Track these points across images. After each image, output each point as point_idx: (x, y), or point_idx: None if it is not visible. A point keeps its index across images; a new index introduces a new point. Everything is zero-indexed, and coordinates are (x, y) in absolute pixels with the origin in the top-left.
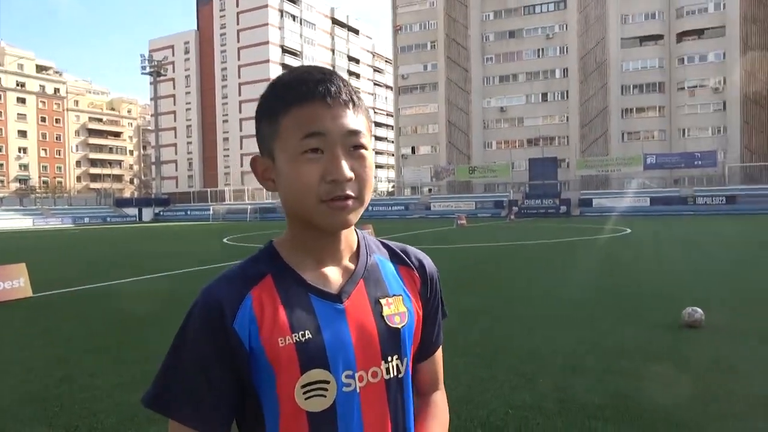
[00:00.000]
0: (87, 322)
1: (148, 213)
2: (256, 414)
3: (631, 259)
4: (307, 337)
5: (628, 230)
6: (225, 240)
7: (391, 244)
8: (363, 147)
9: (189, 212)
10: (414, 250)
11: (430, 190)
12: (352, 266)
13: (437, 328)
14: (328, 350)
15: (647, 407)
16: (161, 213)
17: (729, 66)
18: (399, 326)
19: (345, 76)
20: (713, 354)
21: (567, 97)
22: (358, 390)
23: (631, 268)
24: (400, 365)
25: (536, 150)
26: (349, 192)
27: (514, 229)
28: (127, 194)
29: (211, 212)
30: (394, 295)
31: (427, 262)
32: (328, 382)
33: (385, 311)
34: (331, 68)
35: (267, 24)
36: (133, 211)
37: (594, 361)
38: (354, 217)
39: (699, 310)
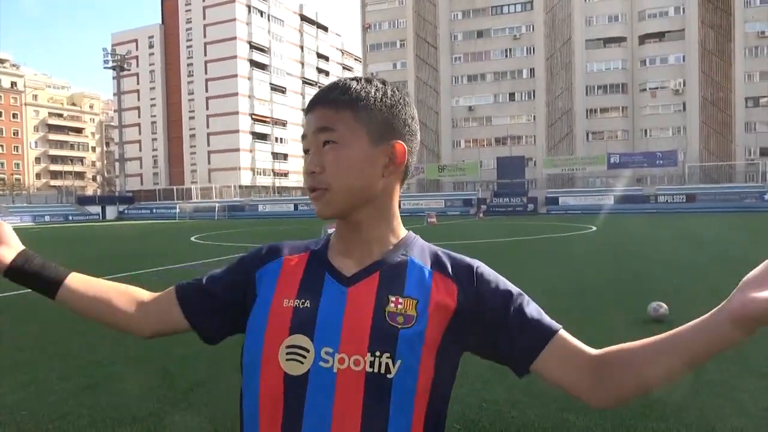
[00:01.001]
0: (47, 326)
1: (112, 211)
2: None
3: (596, 256)
4: (305, 305)
5: (593, 228)
6: (192, 238)
7: (444, 252)
8: (332, 141)
9: (155, 210)
10: (460, 259)
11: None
12: (374, 260)
13: (523, 323)
14: (317, 322)
15: None
16: (126, 211)
17: (688, 68)
18: (398, 327)
19: (314, 73)
20: None
21: (534, 96)
22: (335, 370)
23: (597, 264)
24: (390, 365)
25: (504, 149)
26: (316, 184)
27: (483, 227)
28: (89, 192)
29: (178, 210)
30: (408, 297)
31: (471, 269)
32: (307, 351)
33: (389, 308)
34: (302, 65)
35: (234, 19)
36: (96, 209)
37: None
38: (326, 207)
39: (664, 305)
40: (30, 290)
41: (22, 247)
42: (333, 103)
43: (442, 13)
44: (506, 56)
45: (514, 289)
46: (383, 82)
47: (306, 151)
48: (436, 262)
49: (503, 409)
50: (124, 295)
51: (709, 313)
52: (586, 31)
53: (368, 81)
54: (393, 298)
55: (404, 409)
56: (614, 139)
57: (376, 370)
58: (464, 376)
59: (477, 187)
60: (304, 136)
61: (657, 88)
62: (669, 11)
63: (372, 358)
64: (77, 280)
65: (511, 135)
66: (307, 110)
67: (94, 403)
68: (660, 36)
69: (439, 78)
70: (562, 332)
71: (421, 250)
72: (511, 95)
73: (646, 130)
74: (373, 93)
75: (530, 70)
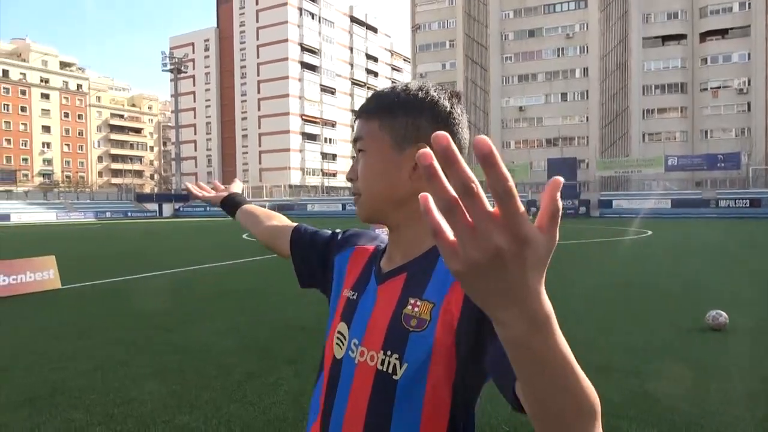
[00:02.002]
0: (115, 313)
1: (168, 208)
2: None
3: (653, 261)
4: (353, 297)
5: (650, 232)
6: (244, 236)
7: None
8: (362, 150)
9: (208, 208)
10: None
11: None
12: (407, 260)
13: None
14: (354, 314)
15: (670, 408)
16: (181, 209)
17: (754, 66)
18: (409, 329)
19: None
20: (737, 357)
21: (587, 97)
22: (356, 361)
23: (653, 269)
24: (397, 366)
25: (555, 150)
26: (354, 190)
27: None
28: (147, 190)
29: None
30: (425, 300)
31: None
32: (345, 338)
33: (406, 310)
34: (351, 66)
35: (286, 22)
36: (153, 206)
37: (617, 361)
38: (360, 211)
39: (723, 313)
40: (101, 281)
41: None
42: (364, 114)
43: (492, 12)
44: (558, 55)
45: None
46: (419, 87)
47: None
48: None
49: None
50: (272, 218)
51: None
52: (644, 29)
53: (404, 89)
54: (412, 301)
55: (410, 414)
56: (672, 141)
57: (384, 369)
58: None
59: (527, 189)
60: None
61: (719, 87)
62: (733, 7)
63: (383, 357)
64: (247, 207)
65: (563, 136)
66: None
67: (155, 390)
68: (723, 33)
69: (489, 78)
70: None
71: None
72: (563, 95)
73: (706, 132)
74: (398, 100)
75: (583, 69)
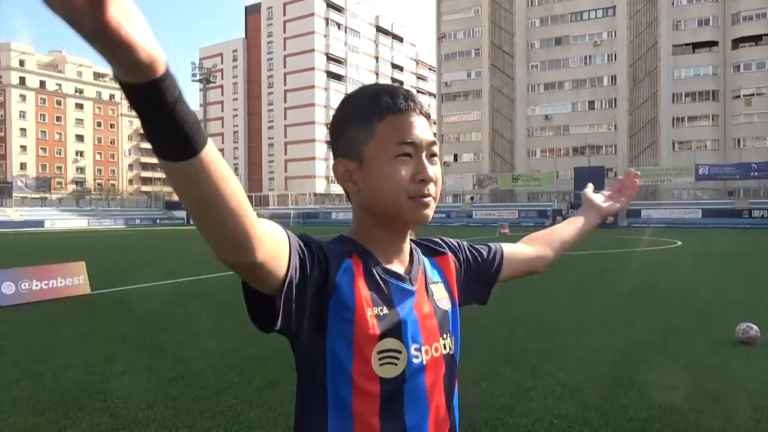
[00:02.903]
0: (142, 320)
1: None
2: (317, 371)
3: (682, 272)
4: (384, 312)
5: (679, 243)
6: None
7: (422, 240)
8: (436, 155)
9: None
10: (440, 239)
11: (472, 198)
12: (410, 258)
13: (486, 252)
14: (401, 323)
15: (696, 423)
16: None
17: None
18: (446, 308)
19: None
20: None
21: (615, 105)
22: (424, 363)
23: (682, 281)
24: (450, 343)
25: (582, 159)
26: (431, 192)
27: None
28: (176, 198)
29: None
30: (437, 282)
31: (454, 242)
32: (400, 352)
33: (436, 296)
34: (376, 76)
35: (313, 32)
36: (181, 213)
37: (643, 374)
38: (432, 213)
39: (754, 326)
40: (129, 287)
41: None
42: (429, 117)
43: (518, 20)
44: (586, 63)
45: (463, 241)
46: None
47: (407, 155)
48: (427, 250)
49: (574, 426)
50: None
51: (582, 214)
52: (674, 36)
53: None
54: (433, 287)
55: (455, 376)
56: (703, 149)
57: (448, 351)
58: (535, 389)
59: (552, 198)
60: (411, 142)
61: (752, 95)
62: (767, 12)
63: (443, 342)
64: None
65: (590, 144)
66: (411, 109)
67: (179, 395)
68: (756, 39)
69: (515, 86)
70: (506, 248)
71: (415, 245)
72: (591, 103)
73: (738, 140)
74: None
75: (611, 77)
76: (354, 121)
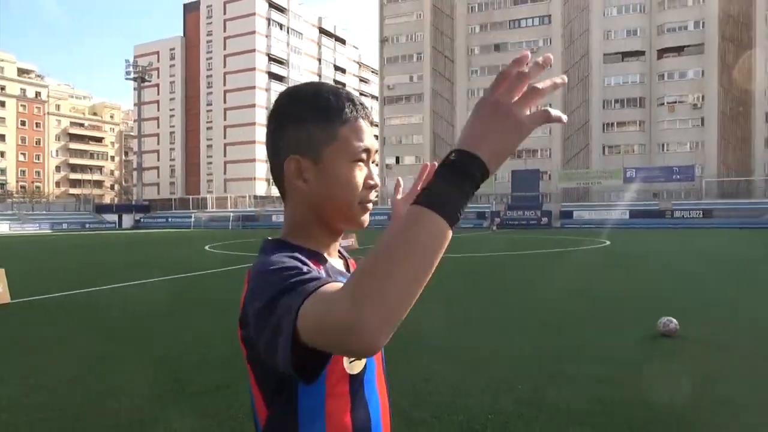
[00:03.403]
0: (67, 328)
1: (128, 219)
2: (289, 385)
3: (611, 270)
4: None
5: (608, 242)
6: (207, 247)
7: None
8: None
9: (170, 219)
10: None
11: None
12: (341, 259)
13: None
14: None
15: (625, 413)
16: (141, 220)
17: (707, 83)
18: None
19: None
20: (687, 362)
21: None
22: (374, 359)
23: (611, 278)
24: None
25: (519, 162)
26: (372, 197)
27: (497, 240)
28: (107, 200)
29: (193, 219)
30: None
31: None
32: None
33: None
34: (319, 77)
35: (254, 32)
36: (112, 217)
37: (574, 368)
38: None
39: (674, 320)
40: (52, 295)
41: None
42: (372, 124)
43: (459, 26)
44: None
45: None
46: None
47: (361, 161)
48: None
49: (509, 421)
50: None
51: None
52: (604, 45)
53: None
54: None
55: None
56: (631, 153)
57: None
58: (474, 386)
59: (491, 200)
60: (368, 149)
61: (675, 102)
62: (689, 25)
63: None
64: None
65: (527, 148)
66: (367, 116)
67: (109, 407)
68: (679, 50)
69: (456, 91)
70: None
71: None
72: None
73: (663, 145)
74: None
75: None
76: (312, 120)
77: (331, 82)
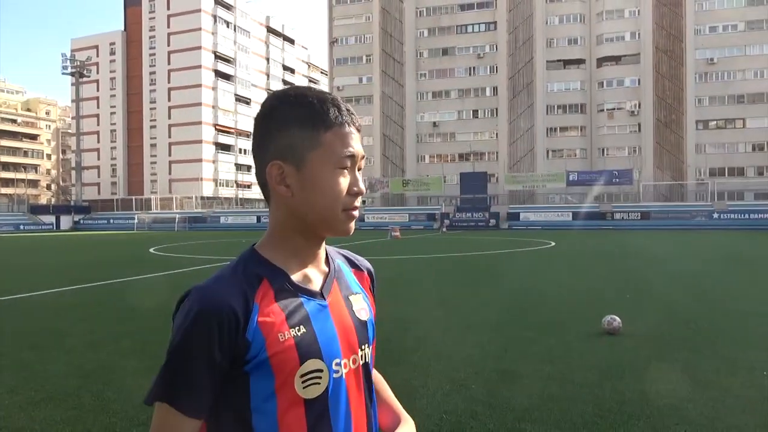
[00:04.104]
0: (4, 337)
1: (66, 221)
2: (240, 408)
3: (556, 271)
4: (302, 331)
5: (552, 243)
6: (151, 250)
7: (341, 251)
8: (362, 168)
9: (112, 221)
10: (358, 256)
11: (364, 202)
12: (326, 268)
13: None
14: (320, 342)
15: (569, 409)
16: (81, 221)
17: (643, 91)
18: (365, 319)
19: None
20: (630, 358)
21: (496, 114)
22: (344, 376)
23: (556, 278)
24: (368, 353)
25: (467, 165)
26: (357, 204)
27: (446, 241)
28: (43, 201)
29: (136, 221)
30: (356, 293)
31: (369, 265)
32: (321, 371)
33: (354, 306)
34: (267, 77)
35: (200, 29)
36: (50, 218)
37: (523, 366)
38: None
39: (617, 318)
40: None
41: None
42: (360, 130)
43: (408, 30)
44: (470, 74)
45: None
46: None
47: (346, 168)
48: (347, 260)
49: (462, 420)
50: None
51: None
52: (547, 53)
53: None
54: (352, 298)
55: (372, 384)
56: (573, 158)
57: (365, 361)
58: (425, 387)
59: (441, 202)
60: (353, 155)
61: (614, 109)
62: (625, 36)
63: (361, 353)
64: None
65: (474, 151)
66: (353, 122)
67: (48, 417)
68: (617, 59)
69: (405, 93)
70: None
71: (335, 253)
72: (475, 112)
73: (603, 149)
74: None
75: (493, 88)
76: (297, 125)
77: (280, 83)
